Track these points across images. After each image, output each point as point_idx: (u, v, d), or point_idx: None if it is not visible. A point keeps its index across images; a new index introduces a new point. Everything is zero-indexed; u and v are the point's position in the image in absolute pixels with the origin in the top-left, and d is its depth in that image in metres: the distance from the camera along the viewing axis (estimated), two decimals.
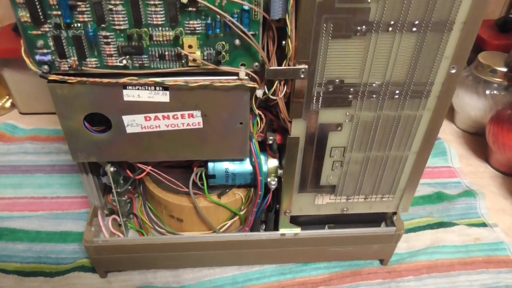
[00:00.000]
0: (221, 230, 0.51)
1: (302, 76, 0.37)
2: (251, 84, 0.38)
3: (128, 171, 0.47)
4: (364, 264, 0.56)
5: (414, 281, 0.54)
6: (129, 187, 0.51)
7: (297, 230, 0.50)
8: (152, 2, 0.33)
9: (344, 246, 0.52)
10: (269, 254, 0.52)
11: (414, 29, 0.35)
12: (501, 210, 0.65)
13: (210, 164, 0.46)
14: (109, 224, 0.50)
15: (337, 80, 0.38)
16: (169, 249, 0.50)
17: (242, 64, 0.37)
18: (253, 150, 0.44)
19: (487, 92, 0.73)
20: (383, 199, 0.48)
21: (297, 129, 0.41)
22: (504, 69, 0.71)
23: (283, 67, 0.36)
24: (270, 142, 0.43)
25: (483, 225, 0.62)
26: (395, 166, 0.45)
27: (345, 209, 0.49)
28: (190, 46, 0.35)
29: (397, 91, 0.39)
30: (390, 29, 0.35)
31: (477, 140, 0.78)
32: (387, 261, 0.56)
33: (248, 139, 0.42)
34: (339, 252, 0.54)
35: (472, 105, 0.76)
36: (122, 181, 0.48)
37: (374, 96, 0.39)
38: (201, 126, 0.41)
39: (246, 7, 0.34)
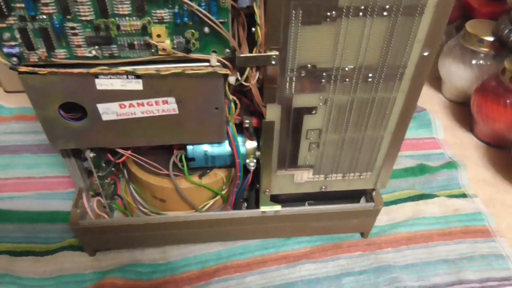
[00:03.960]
0: (203, 209, 0.52)
1: (273, 62, 0.36)
2: (223, 71, 0.38)
3: (109, 155, 0.48)
4: (345, 237, 0.57)
5: (393, 253, 0.56)
6: (113, 169, 0.51)
7: (278, 207, 0.51)
8: None
9: (324, 221, 0.54)
10: (251, 230, 0.54)
11: (385, 13, 0.34)
12: (482, 181, 0.66)
13: (189, 147, 0.46)
14: (94, 205, 0.51)
15: (309, 65, 0.37)
16: (153, 228, 0.51)
17: (214, 51, 0.37)
18: (230, 134, 0.44)
19: (474, 62, 0.73)
20: (361, 176, 0.49)
21: (272, 113, 0.41)
22: (491, 39, 0.70)
23: (253, 54, 0.36)
24: (247, 125, 0.43)
25: (463, 196, 0.63)
26: (371, 146, 0.45)
27: (323, 187, 0.50)
28: (159, 35, 0.35)
29: (370, 75, 0.39)
30: (361, 13, 0.34)
31: (464, 111, 0.78)
32: (367, 234, 0.57)
33: (224, 124, 0.43)
34: (320, 227, 0.55)
35: (458, 75, 0.75)
36: (104, 165, 0.49)
37: (348, 80, 0.39)
38: (177, 112, 0.41)
39: None
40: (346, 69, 0.38)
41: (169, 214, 0.52)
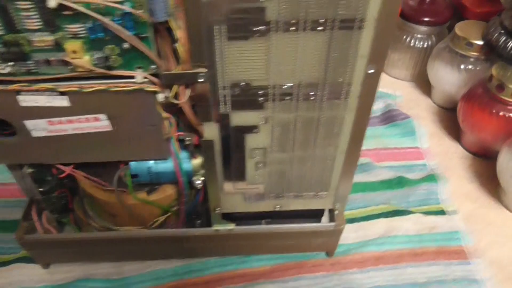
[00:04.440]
0: (154, 226, 0.50)
1: (201, 80, 0.33)
2: (151, 88, 0.35)
3: (54, 169, 0.46)
4: (310, 256, 0.54)
5: (358, 274, 0.53)
6: (65, 181, 0.50)
7: (231, 226, 0.49)
8: (22, 7, 0.30)
9: (284, 240, 0.51)
10: (208, 248, 0.52)
11: (320, 27, 0.31)
12: (464, 196, 0.62)
13: (133, 163, 0.44)
14: (43, 219, 0.50)
15: (242, 83, 0.34)
16: (103, 244, 0.49)
17: (139, 67, 0.34)
18: (171, 151, 0.41)
19: (462, 66, 0.68)
20: (317, 196, 0.46)
21: (210, 132, 0.38)
22: (481, 42, 0.66)
23: (178, 71, 0.33)
24: (188, 143, 0.41)
25: (441, 212, 0.59)
26: (323, 166, 0.42)
27: (278, 206, 0.47)
28: (74, 51, 0.32)
29: (312, 93, 0.35)
30: (292, 28, 0.31)
31: (452, 117, 0.73)
32: (332, 253, 0.54)
33: (163, 140, 0.40)
34: (281, 246, 0.52)
35: (447, 79, 0.71)
36: (49, 178, 0.47)
37: (288, 98, 0.36)
38: (111, 128, 0.39)
39: (127, 10, 0.30)
40: (284, 86, 0.35)
41: (120, 229, 0.50)
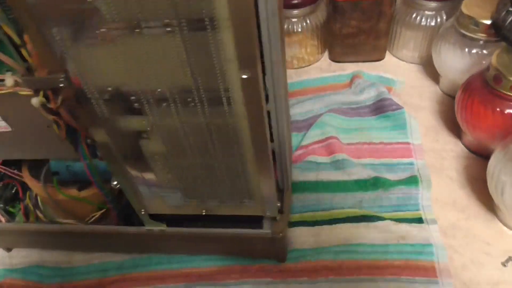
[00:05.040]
0: (90, 221, 0.49)
1: (62, 85, 0.31)
2: (24, 92, 0.33)
3: None
4: (260, 260, 0.51)
5: (307, 284, 0.49)
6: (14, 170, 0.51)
7: (162, 226, 0.47)
8: None
9: (222, 244, 0.48)
10: (149, 245, 0.50)
11: (169, 28, 0.27)
12: (451, 203, 0.54)
13: (53, 162, 0.43)
14: None
15: (110, 88, 0.31)
16: (48, 234, 0.50)
17: (8, 70, 0.32)
18: (79, 152, 0.40)
19: (467, 50, 0.58)
20: (242, 204, 0.42)
21: (99, 136, 0.36)
22: (489, 22, 0.55)
23: (38, 76, 0.31)
24: (89, 143, 0.39)
25: (417, 220, 0.52)
26: (235, 174, 0.38)
27: (205, 211, 0.44)
28: None
29: (189, 98, 0.31)
30: (137, 30, 0.27)
31: None
32: (282, 259, 0.50)
33: (63, 141, 0.38)
34: (222, 248, 0.50)
35: (451, 64, 0.61)
36: None
37: (164, 103, 0.32)
38: (10, 129, 0.38)
39: None
40: (157, 92, 0.31)
41: (60, 222, 0.50)
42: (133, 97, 0.32)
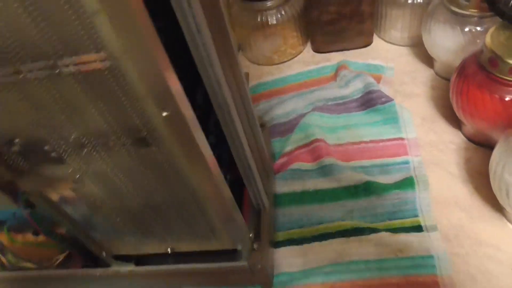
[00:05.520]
0: (55, 264, 0.45)
1: None
2: None
3: None
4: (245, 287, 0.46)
5: None
6: None
7: (130, 266, 0.42)
8: None
9: (198, 276, 0.44)
10: (119, 286, 0.46)
11: (57, 71, 0.22)
12: (453, 203, 0.48)
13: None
14: None
15: (16, 140, 0.27)
16: (10, 281, 0.47)
17: None
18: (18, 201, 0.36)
19: (459, 28, 0.51)
20: (208, 238, 0.37)
21: (29, 186, 0.31)
22: None
23: None
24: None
25: (416, 229, 0.47)
26: (188, 212, 0.33)
27: (170, 248, 0.39)
28: None
29: (110, 142, 0.26)
30: (20, 75, 0.22)
31: None
32: (268, 286, 0.46)
33: None
34: (201, 280, 0.45)
35: (442, 45, 0.54)
36: None
37: (85, 149, 0.27)
38: None
39: None
40: (71, 139, 0.26)
41: (24, 266, 0.47)
42: (46, 147, 0.27)
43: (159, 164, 0.28)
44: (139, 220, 0.35)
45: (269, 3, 0.61)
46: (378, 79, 0.61)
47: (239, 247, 0.38)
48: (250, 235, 0.38)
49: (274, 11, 0.62)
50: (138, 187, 0.31)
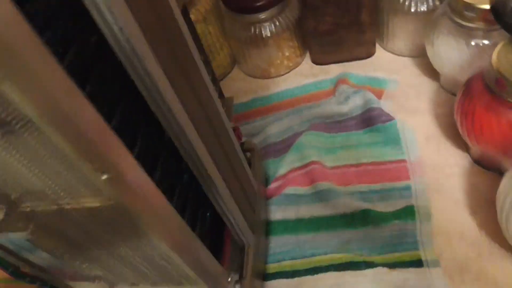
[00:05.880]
0: None
1: None
2: None
3: None
4: None
5: None
6: None
7: None
8: None
9: None
10: None
11: None
12: (457, 235, 0.44)
13: None
14: None
15: None
16: None
17: None
18: None
19: (464, 41, 0.47)
20: (182, 285, 0.34)
21: None
22: (487, 6, 0.44)
23: None
24: None
25: (417, 263, 0.43)
26: (154, 262, 0.31)
27: None
28: None
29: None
30: None
31: None
32: None
33: None
34: None
35: (447, 59, 0.50)
36: None
37: (28, 207, 0.25)
38: None
39: None
40: (11, 198, 0.24)
41: None
42: None
43: (114, 222, 0.25)
44: (105, 267, 0.32)
45: (262, 15, 0.58)
46: (380, 94, 0.57)
47: None
48: (229, 279, 0.35)
49: (268, 23, 0.59)
50: (95, 240, 0.28)
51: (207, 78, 0.32)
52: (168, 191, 0.28)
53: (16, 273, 0.37)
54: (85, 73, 0.22)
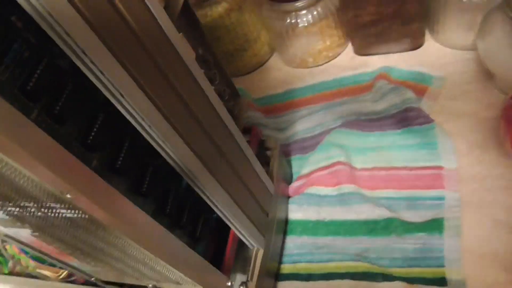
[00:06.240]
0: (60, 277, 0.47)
1: None
2: None
3: None
4: None
5: None
6: None
7: None
8: None
9: None
10: None
11: None
12: (491, 257, 0.40)
13: None
14: None
15: None
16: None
17: None
18: None
19: None
20: (186, 285, 0.35)
21: None
22: None
23: None
24: None
25: (440, 282, 0.40)
26: (150, 265, 0.31)
27: (150, 285, 0.38)
28: None
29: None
30: None
31: None
32: None
33: None
34: None
35: (501, 59, 0.45)
36: None
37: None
38: None
39: None
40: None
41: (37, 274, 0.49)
42: None
43: (97, 230, 0.26)
44: (109, 264, 0.33)
45: (299, 4, 0.55)
46: (423, 91, 0.53)
47: None
48: (229, 283, 0.35)
49: (306, 11, 0.56)
50: (94, 241, 0.29)
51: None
52: (159, 199, 0.28)
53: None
54: None
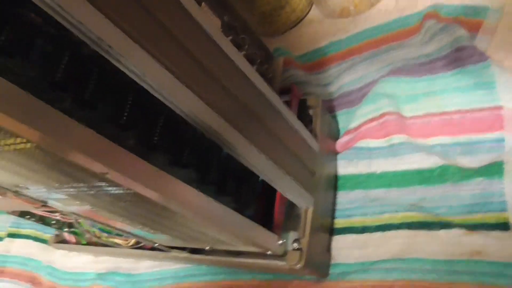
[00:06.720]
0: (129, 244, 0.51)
1: None
2: None
3: None
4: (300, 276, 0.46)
5: None
6: None
7: (185, 254, 0.45)
8: None
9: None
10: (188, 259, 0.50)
11: None
12: None
13: None
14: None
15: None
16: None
17: None
18: None
19: None
20: (239, 245, 0.37)
21: None
22: None
23: None
24: None
25: (502, 227, 0.38)
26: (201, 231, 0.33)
27: (207, 247, 0.40)
28: None
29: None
30: None
31: None
32: (324, 275, 0.44)
33: None
34: (254, 267, 0.46)
35: None
36: None
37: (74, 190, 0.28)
38: None
39: None
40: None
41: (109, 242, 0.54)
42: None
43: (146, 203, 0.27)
44: (172, 236, 0.36)
45: None
46: (477, 26, 0.48)
47: (269, 252, 0.37)
48: (280, 242, 0.36)
49: None
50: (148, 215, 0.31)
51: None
52: (201, 169, 0.29)
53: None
54: None
